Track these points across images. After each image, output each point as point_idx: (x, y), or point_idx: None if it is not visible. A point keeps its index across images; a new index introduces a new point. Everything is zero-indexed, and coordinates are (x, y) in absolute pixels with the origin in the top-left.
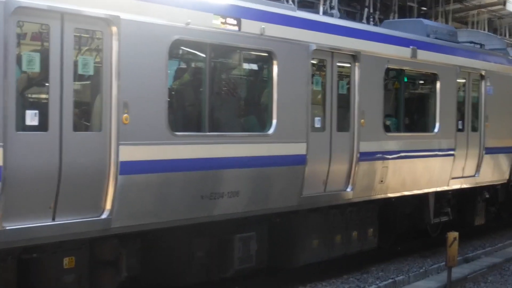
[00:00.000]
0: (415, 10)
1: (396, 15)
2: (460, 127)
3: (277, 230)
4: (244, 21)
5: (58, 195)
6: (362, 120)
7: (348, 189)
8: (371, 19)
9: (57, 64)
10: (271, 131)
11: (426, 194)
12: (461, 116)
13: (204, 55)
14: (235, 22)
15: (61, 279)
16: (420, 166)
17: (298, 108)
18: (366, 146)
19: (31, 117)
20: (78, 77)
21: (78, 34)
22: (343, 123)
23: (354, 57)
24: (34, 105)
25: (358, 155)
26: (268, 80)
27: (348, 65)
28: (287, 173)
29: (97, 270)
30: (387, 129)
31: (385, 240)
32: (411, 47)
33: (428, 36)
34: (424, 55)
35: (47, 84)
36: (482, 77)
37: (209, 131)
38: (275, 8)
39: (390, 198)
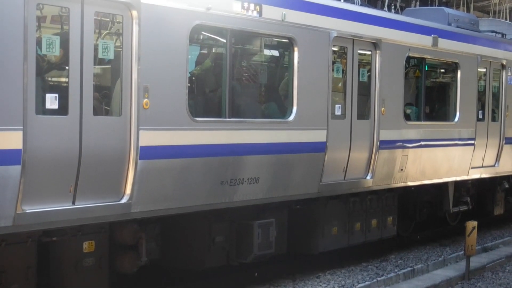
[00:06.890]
0: None
1: (418, 3)
2: (480, 116)
3: (296, 217)
4: (265, 7)
5: (78, 179)
6: (383, 108)
7: (368, 177)
8: (392, 7)
9: (77, 47)
10: (291, 118)
11: (446, 183)
12: (481, 105)
13: (224, 41)
14: (256, 7)
15: (81, 262)
16: (440, 155)
17: (318, 95)
18: (386, 134)
19: (51, 101)
20: (98, 61)
21: (98, 18)
22: (364, 111)
23: (375, 44)
24: (54, 88)
25: (378, 143)
26: (289, 66)
27: (369, 52)
28: (307, 160)
29: (117, 254)
30: (407, 117)
31: (405, 228)
32: (432, 35)
33: (449, 24)
34: (445, 44)
35: (67, 67)
36: (503, 66)
37: (229, 117)
38: None
39: (410, 187)
